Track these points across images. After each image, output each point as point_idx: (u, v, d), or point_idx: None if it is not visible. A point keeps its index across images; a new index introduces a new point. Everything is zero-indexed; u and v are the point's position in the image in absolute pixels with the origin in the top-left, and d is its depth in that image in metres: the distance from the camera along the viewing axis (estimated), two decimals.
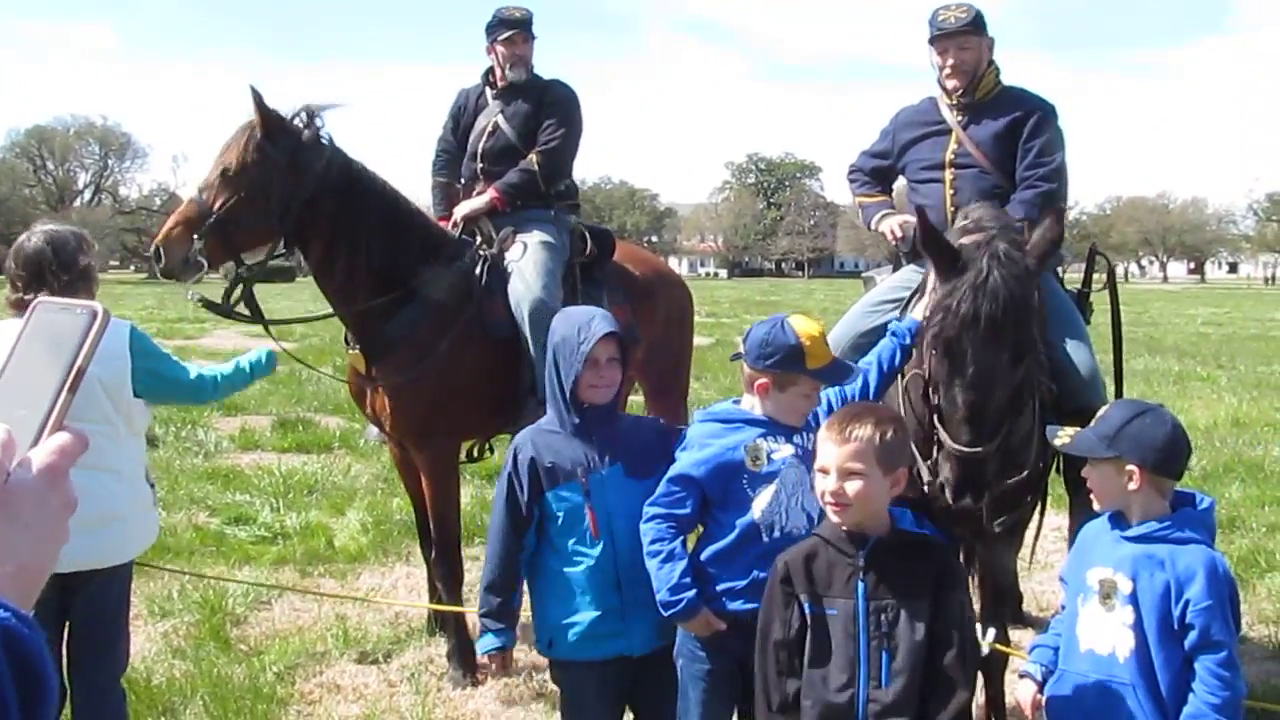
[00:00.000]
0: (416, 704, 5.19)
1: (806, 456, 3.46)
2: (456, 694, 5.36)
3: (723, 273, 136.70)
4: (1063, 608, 3.47)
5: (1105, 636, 3.17)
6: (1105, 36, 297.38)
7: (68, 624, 4.07)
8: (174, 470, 9.82)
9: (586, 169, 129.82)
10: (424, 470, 5.62)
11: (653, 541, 3.46)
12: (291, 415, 12.85)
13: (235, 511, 8.46)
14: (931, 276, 3.94)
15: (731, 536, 3.47)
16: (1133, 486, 3.13)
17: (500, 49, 6.03)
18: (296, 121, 5.23)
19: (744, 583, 3.44)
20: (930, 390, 3.85)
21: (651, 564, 3.45)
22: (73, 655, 4.06)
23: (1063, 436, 3.36)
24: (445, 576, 5.62)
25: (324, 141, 5.28)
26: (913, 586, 3.07)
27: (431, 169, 6.43)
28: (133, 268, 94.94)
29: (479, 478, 9.31)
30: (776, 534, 3.44)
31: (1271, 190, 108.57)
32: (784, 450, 3.50)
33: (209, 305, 5.35)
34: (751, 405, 3.60)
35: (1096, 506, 3.28)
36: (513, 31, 5.98)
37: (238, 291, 5.36)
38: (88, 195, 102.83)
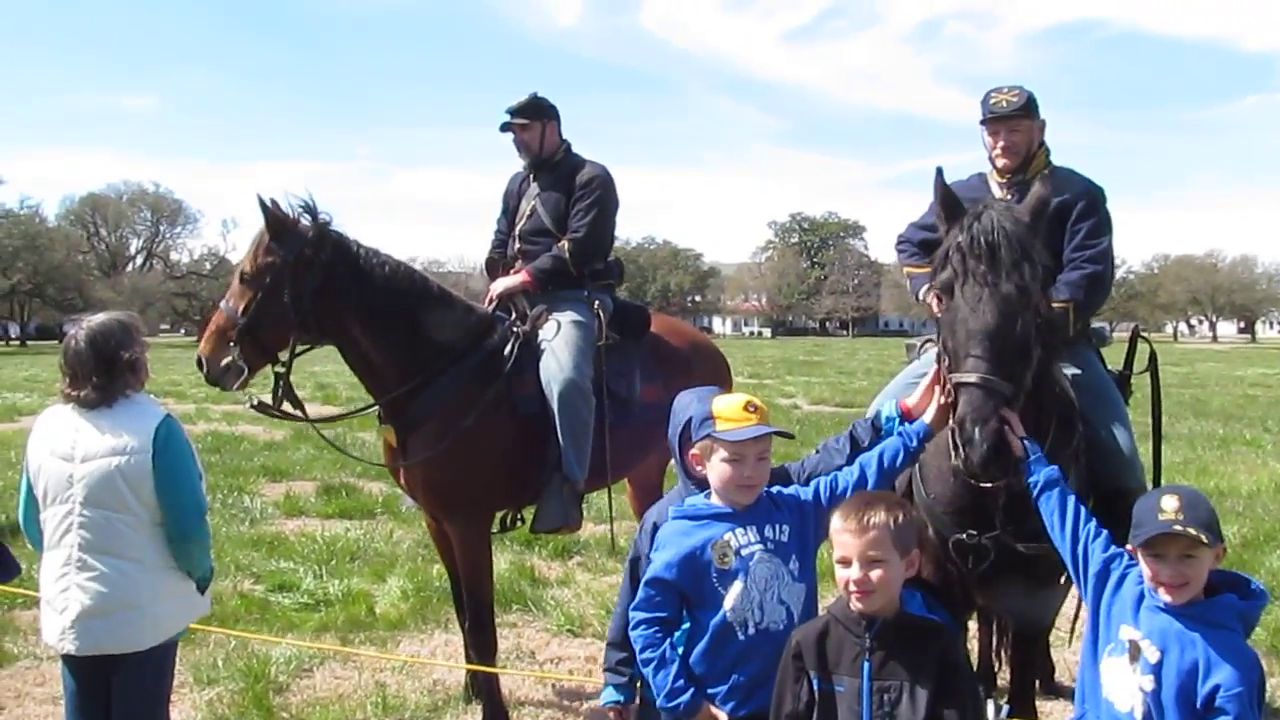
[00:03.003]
0: None
1: (779, 549, 3.57)
2: None
3: (767, 332, 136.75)
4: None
5: (1125, 694, 3.24)
6: (1150, 95, 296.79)
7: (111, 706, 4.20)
8: (220, 537, 9.97)
9: (630, 230, 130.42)
10: (455, 542, 5.77)
11: (643, 649, 3.57)
12: (335, 481, 13.04)
13: (279, 578, 8.62)
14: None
15: (707, 636, 3.54)
16: (1218, 566, 3.22)
17: (514, 133, 6.30)
18: (304, 219, 5.45)
19: (725, 688, 3.51)
20: (943, 352, 3.90)
21: (646, 671, 3.58)
22: None
23: (1202, 536, 3.11)
24: (479, 645, 5.73)
25: (330, 234, 5.49)
26: (917, 669, 3.17)
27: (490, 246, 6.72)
28: (183, 331, 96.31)
29: (518, 544, 9.43)
30: (752, 631, 3.51)
31: None
32: (753, 545, 3.55)
33: (263, 409, 5.65)
34: (719, 499, 3.66)
35: (1180, 599, 3.15)
36: (513, 119, 6.25)
37: (280, 391, 5.62)
38: (140, 260, 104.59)
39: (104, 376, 4.17)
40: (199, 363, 5.44)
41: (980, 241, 3.80)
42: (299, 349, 5.61)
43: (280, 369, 5.56)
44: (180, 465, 4.23)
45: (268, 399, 5.62)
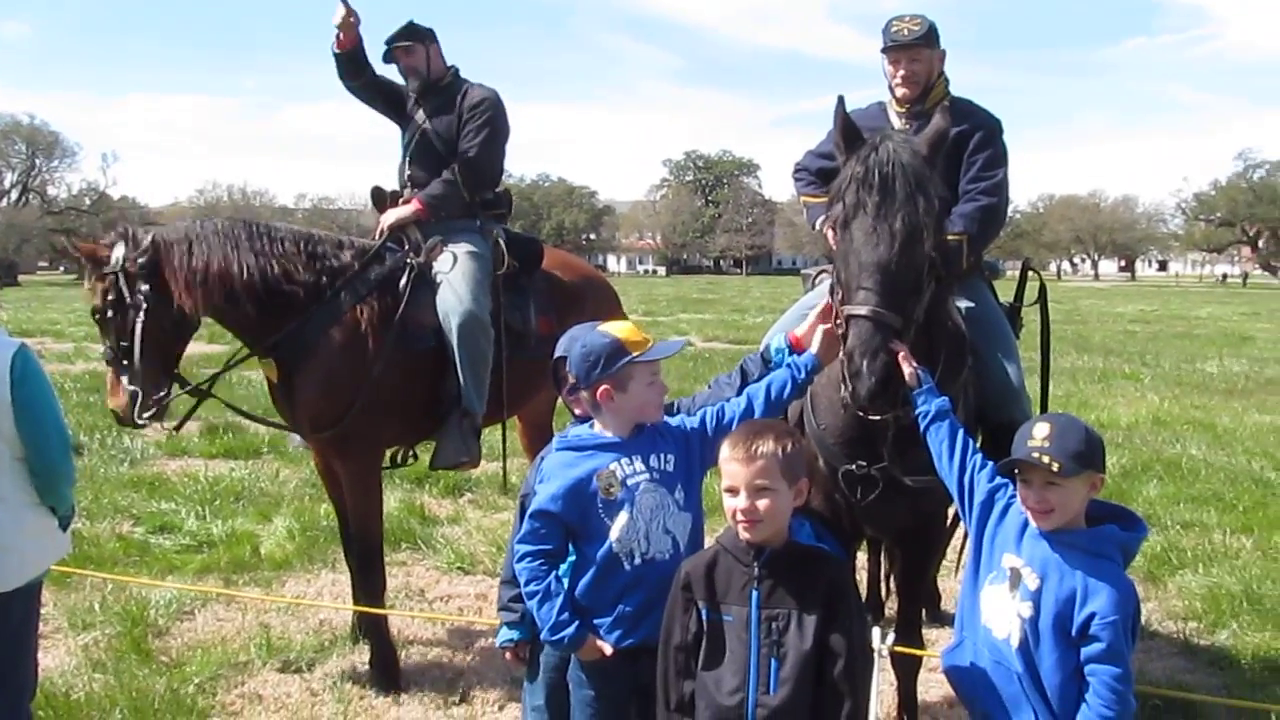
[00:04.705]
0: (338, 713, 5.20)
1: (665, 479, 3.52)
2: (379, 702, 5.36)
3: (661, 270, 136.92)
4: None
5: (1003, 621, 3.27)
6: (1035, 37, 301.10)
7: None
8: (98, 479, 9.70)
9: (524, 166, 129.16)
10: (345, 479, 5.62)
11: (528, 582, 3.51)
12: (220, 421, 12.67)
13: (160, 520, 8.39)
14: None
15: (593, 569, 3.49)
16: (1094, 496, 3.22)
17: (397, 61, 6.14)
18: (108, 236, 5.38)
19: (611, 618, 3.47)
20: (836, 284, 3.85)
21: (531, 604, 3.52)
22: None
23: (1055, 464, 3.14)
24: (368, 585, 5.61)
25: (134, 235, 5.34)
26: (804, 598, 3.15)
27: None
28: (62, 269, 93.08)
29: (408, 481, 9.32)
30: (638, 561, 3.46)
31: (1199, 190, 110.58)
32: (639, 475, 3.51)
33: (178, 427, 5.78)
34: (605, 428, 3.61)
35: (1046, 525, 3.21)
36: (399, 43, 6.07)
37: (176, 394, 5.59)
38: (14, 196, 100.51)
39: None
40: (115, 418, 5.39)
41: (875, 174, 3.75)
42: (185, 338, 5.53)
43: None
44: (42, 397, 3.97)
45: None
